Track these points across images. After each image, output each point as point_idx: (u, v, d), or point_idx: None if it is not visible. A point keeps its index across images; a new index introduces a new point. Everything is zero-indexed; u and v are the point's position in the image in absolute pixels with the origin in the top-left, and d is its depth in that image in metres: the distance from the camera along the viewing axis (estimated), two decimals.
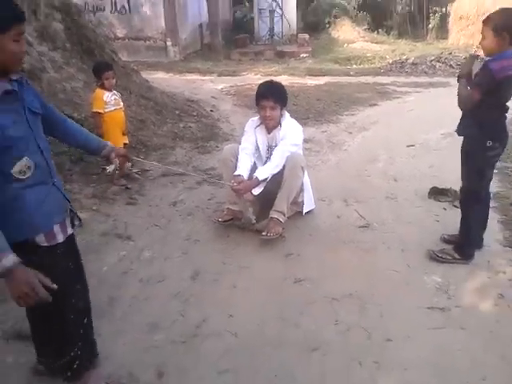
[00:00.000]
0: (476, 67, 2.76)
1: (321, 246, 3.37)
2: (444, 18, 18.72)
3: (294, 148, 3.53)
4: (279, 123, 3.60)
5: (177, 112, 6.66)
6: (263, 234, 3.37)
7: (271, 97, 3.45)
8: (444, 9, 20.99)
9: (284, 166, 3.46)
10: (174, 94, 7.70)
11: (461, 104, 2.83)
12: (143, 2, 12.30)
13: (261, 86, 3.60)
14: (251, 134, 3.66)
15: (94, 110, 4.25)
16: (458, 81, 2.87)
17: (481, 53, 2.97)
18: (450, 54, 12.53)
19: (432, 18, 18.87)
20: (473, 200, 3.04)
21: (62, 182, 3.96)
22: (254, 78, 10.32)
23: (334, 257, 3.22)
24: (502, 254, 3.21)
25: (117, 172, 4.24)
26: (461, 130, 2.95)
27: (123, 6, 12.32)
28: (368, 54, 13.56)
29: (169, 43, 12.45)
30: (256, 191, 3.43)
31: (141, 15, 12.38)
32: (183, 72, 10.93)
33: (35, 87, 5.20)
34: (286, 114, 3.69)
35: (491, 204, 3.89)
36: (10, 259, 1.54)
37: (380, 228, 3.60)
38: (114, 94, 4.31)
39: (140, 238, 3.44)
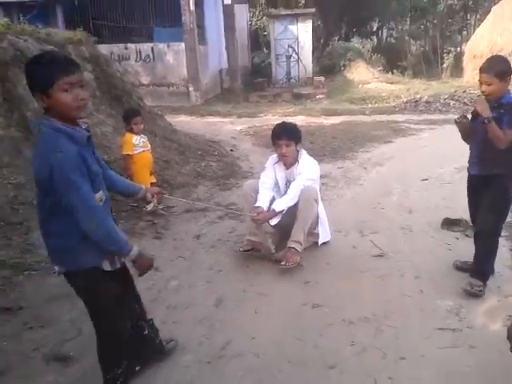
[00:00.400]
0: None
1: (337, 273, 3.55)
2: (458, 57, 19.17)
3: (309, 182, 3.78)
4: (297, 160, 3.86)
5: (199, 152, 7.01)
6: (282, 263, 3.57)
7: (285, 135, 3.75)
8: (459, 48, 21.59)
9: (299, 199, 3.71)
10: (196, 135, 8.09)
11: (501, 144, 2.89)
12: (166, 51, 13.01)
13: (275, 126, 3.90)
14: (271, 170, 3.93)
15: (125, 152, 4.60)
16: (489, 124, 2.89)
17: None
18: (465, 91, 12.81)
19: (446, 57, 19.34)
20: (497, 233, 3.21)
21: None
22: (271, 118, 10.71)
23: (350, 284, 3.39)
24: (511, 278, 3.33)
25: (149, 208, 4.57)
26: (484, 168, 3.08)
27: (147, 55, 13.05)
28: (383, 94, 13.92)
29: (191, 89, 13.05)
30: (273, 222, 3.70)
31: (164, 63, 13.07)
32: (204, 115, 11.42)
33: None
34: (303, 152, 3.96)
35: (503, 233, 4.05)
36: (136, 250, 2.13)
37: (394, 257, 3.76)
38: (142, 137, 4.66)
39: (167, 269, 3.66)
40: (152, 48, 13.06)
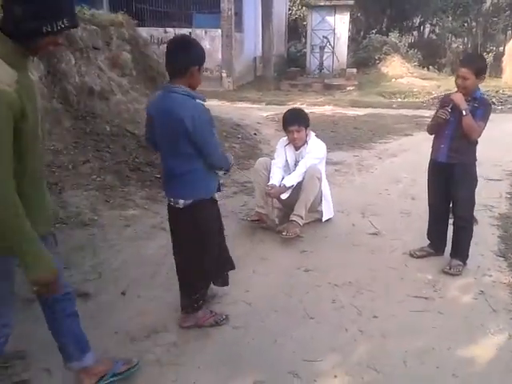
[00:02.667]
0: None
1: (333, 246, 3.91)
2: (499, 56, 18.89)
3: (316, 161, 4.18)
4: (306, 141, 4.23)
5: (224, 134, 7.41)
6: (283, 233, 3.95)
7: (296, 122, 4.14)
8: (501, 48, 21.19)
9: (303, 178, 4.09)
10: (223, 118, 8.50)
11: (475, 134, 3.21)
12: (203, 37, 13.44)
13: (286, 114, 4.28)
14: (281, 151, 4.32)
15: None
16: (465, 116, 3.15)
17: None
18: (497, 92, 12.77)
19: (486, 56, 19.06)
20: (473, 216, 3.51)
21: (121, 185, 4.72)
22: (299, 107, 11.02)
23: (342, 255, 3.75)
24: (492, 261, 3.62)
25: None
26: (454, 157, 3.32)
27: None
28: (414, 89, 13.97)
29: (224, 74, 13.46)
30: (284, 196, 4.12)
31: None
32: (234, 100, 11.83)
33: (104, 107, 6.11)
34: (312, 134, 4.33)
35: (495, 222, 4.32)
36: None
37: (388, 236, 4.09)
38: None
39: None
40: (190, 33, 13.44)
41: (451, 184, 3.39)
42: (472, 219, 3.47)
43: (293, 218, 4.02)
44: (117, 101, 6.27)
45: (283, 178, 4.16)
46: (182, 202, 2.57)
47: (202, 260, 2.71)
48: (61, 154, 4.96)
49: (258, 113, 10.14)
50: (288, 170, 4.31)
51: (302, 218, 4.03)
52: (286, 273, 3.47)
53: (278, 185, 4.10)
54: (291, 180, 4.09)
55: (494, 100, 10.88)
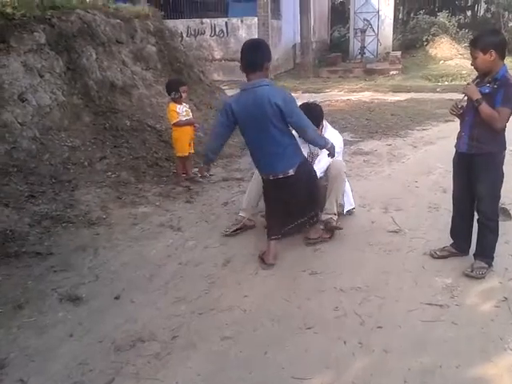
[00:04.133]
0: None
1: (347, 245, 3.64)
2: None
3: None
4: (321, 134, 3.95)
5: None
6: (311, 237, 3.66)
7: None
8: None
9: (329, 173, 3.82)
10: None
11: (498, 124, 2.83)
12: (240, 26, 13.24)
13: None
14: None
15: (172, 121, 4.89)
16: (479, 105, 2.81)
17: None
18: None
19: None
20: (497, 213, 3.12)
21: (136, 181, 4.65)
22: (336, 94, 10.63)
23: (355, 255, 3.47)
24: None
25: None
26: (475, 146, 2.96)
27: (221, 30, 13.38)
28: (463, 71, 13.14)
29: None
30: None
31: (237, 38, 13.30)
32: None
33: (126, 101, 6.07)
34: (327, 125, 4.04)
35: None
36: None
37: (410, 234, 3.76)
38: (184, 105, 4.95)
39: (188, 230, 3.96)
40: (226, 23, 13.36)
41: (473, 176, 3.04)
42: (496, 216, 3.09)
43: (326, 217, 3.77)
44: (139, 95, 6.21)
45: None
46: (291, 170, 3.23)
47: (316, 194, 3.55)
48: (78, 150, 4.94)
49: None
50: None
51: (335, 215, 3.79)
52: (290, 275, 3.25)
53: None
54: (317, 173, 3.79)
55: None
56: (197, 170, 5.30)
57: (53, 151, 4.75)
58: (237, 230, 3.88)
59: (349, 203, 4.12)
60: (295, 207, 3.44)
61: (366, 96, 10.21)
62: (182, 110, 4.93)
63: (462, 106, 3.00)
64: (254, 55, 3.14)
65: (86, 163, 4.82)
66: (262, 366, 2.39)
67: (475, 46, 2.86)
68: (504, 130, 2.93)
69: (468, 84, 2.97)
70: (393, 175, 5.20)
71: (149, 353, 2.53)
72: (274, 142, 3.18)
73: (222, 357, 2.47)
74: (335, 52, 17.33)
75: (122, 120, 5.63)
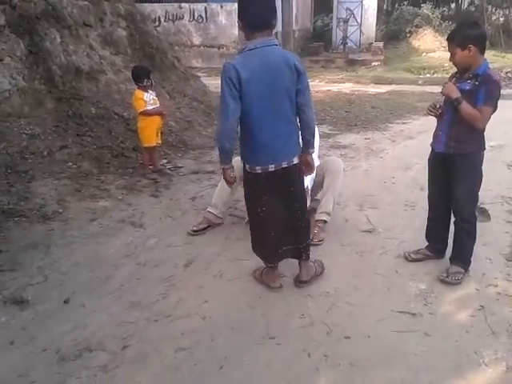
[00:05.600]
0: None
1: (319, 246, 3.42)
2: None
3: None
4: None
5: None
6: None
7: None
8: None
9: (327, 171, 3.60)
10: None
11: (479, 124, 2.66)
12: (219, 12, 12.88)
13: None
14: None
15: (139, 110, 4.60)
16: (459, 104, 2.63)
17: None
18: None
19: None
20: (475, 215, 2.96)
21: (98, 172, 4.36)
22: (317, 85, 10.40)
23: (326, 257, 3.25)
24: (501, 267, 3.07)
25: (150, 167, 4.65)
26: (453, 146, 2.77)
27: (200, 15, 12.99)
28: (445, 64, 12.97)
29: None
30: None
31: (216, 24, 12.97)
32: None
33: (92, 87, 5.76)
34: None
35: (509, 218, 3.75)
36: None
37: (383, 234, 3.58)
38: (151, 93, 4.67)
39: (151, 227, 3.71)
40: (205, 8, 12.97)
41: (450, 177, 2.86)
42: (474, 218, 2.92)
43: (321, 216, 3.53)
44: (107, 81, 5.89)
45: None
46: (295, 158, 2.63)
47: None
48: (37, 138, 4.64)
49: None
50: None
51: (329, 215, 3.55)
52: (256, 279, 3.03)
53: None
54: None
55: None
56: (165, 161, 5.08)
57: (10, 139, 4.46)
58: (205, 228, 3.64)
59: None
60: (292, 218, 2.75)
61: (347, 87, 10.02)
62: (149, 98, 4.64)
63: (441, 105, 2.80)
64: (265, 7, 2.43)
65: (45, 153, 4.53)
66: (216, 382, 2.18)
67: (453, 41, 2.65)
68: (484, 129, 2.75)
69: (446, 82, 2.77)
70: (370, 171, 5.01)
71: (95, 364, 2.31)
72: (286, 118, 2.53)
73: (174, 372, 2.25)
74: (318, 41, 17.05)
75: (86, 107, 5.32)
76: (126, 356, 2.36)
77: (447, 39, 2.74)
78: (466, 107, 2.61)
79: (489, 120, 2.69)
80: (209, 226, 3.67)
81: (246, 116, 2.48)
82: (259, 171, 2.59)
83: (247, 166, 2.66)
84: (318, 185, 3.64)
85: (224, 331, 2.53)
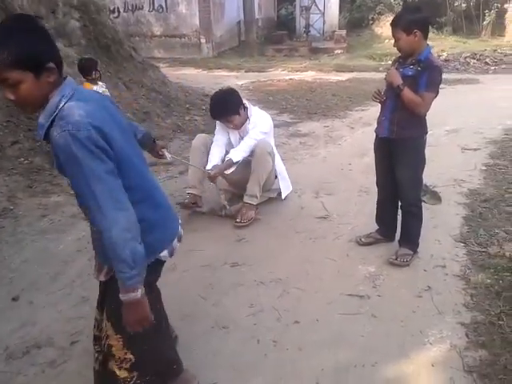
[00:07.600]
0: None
1: (273, 233, 3.46)
2: (502, 14, 17.84)
3: (262, 136, 3.69)
4: (247, 117, 3.73)
5: (186, 106, 6.89)
6: (237, 220, 3.53)
7: (222, 116, 3.69)
8: (507, 5, 19.98)
9: (253, 154, 3.62)
10: (191, 88, 7.95)
11: (421, 109, 2.71)
12: (179, 1, 12.69)
13: (210, 105, 3.81)
14: (223, 129, 3.81)
15: None
16: (401, 91, 2.67)
17: None
18: (495, 51, 12.03)
19: (488, 14, 17.99)
20: (420, 198, 3.03)
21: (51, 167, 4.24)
22: (280, 74, 10.42)
23: (281, 244, 3.30)
24: (449, 249, 3.16)
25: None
26: (395, 131, 2.82)
27: (160, 5, 12.77)
28: None
29: (203, 40, 12.77)
30: (229, 171, 3.64)
31: (177, 13, 12.79)
32: (212, 68, 11.20)
33: None
34: (252, 108, 3.81)
35: (463, 200, 3.84)
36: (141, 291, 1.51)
37: (337, 219, 3.63)
38: (101, 85, 4.59)
39: None
40: None
41: (394, 162, 2.91)
42: (419, 201, 2.99)
43: (246, 199, 3.61)
44: None
45: (226, 155, 3.68)
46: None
47: None
48: None
49: (234, 81, 9.53)
50: (232, 148, 3.82)
51: (256, 198, 3.62)
52: (209, 268, 3.04)
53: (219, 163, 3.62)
54: (238, 154, 3.59)
55: (487, 60, 10.19)
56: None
57: None
58: (193, 204, 3.72)
59: (286, 187, 3.99)
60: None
61: (309, 75, 10.05)
62: (99, 91, 4.56)
63: (385, 92, 2.84)
64: None
65: None
66: None
67: (397, 26, 2.65)
68: (426, 114, 2.81)
69: (389, 69, 2.81)
70: (328, 158, 5.06)
71: (43, 360, 2.28)
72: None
73: None
74: (282, 30, 17.02)
75: None
76: (74, 351, 2.34)
77: (391, 24, 2.73)
78: (408, 93, 2.66)
79: (431, 105, 2.74)
80: (195, 203, 3.72)
81: None
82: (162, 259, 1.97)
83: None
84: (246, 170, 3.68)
85: (174, 323, 2.50)
